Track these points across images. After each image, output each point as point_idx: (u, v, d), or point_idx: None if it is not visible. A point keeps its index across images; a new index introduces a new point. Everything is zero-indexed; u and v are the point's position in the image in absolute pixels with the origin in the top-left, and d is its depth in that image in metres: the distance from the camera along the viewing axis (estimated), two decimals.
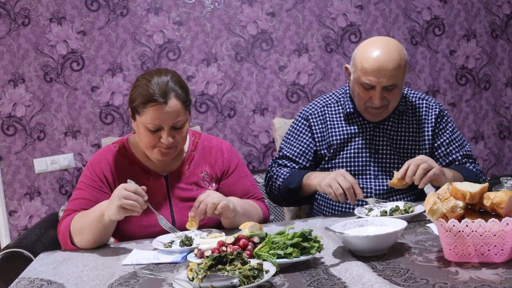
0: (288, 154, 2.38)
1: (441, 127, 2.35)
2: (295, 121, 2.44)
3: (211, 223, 2.07)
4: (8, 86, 3.54)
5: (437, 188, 1.93)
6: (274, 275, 1.41)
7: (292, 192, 2.29)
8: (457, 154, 2.34)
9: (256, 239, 1.59)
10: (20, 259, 2.63)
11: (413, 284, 1.32)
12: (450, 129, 2.36)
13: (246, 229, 1.77)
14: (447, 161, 2.34)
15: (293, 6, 3.69)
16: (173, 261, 1.72)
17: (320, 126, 2.37)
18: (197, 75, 3.65)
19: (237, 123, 3.70)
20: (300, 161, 2.36)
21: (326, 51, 3.73)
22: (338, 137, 2.32)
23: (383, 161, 2.30)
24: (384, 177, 2.28)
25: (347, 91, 2.39)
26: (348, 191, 2.02)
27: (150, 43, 3.61)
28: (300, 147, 2.37)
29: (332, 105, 2.40)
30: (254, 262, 1.42)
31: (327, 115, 2.38)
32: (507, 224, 1.39)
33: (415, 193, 2.31)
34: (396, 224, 1.64)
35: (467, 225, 1.41)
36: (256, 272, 1.37)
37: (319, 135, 2.36)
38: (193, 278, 1.38)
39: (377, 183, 2.27)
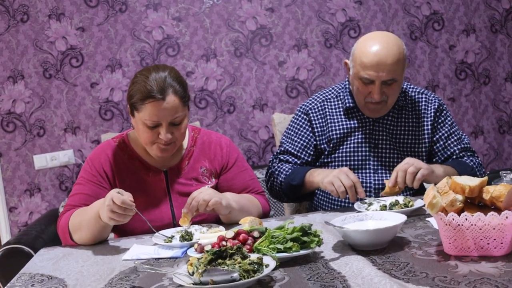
0: (289, 148, 2.38)
1: (439, 121, 2.35)
2: (295, 116, 2.44)
3: (211, 218, 2.08)
4: (8, 83, 3.54)
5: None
6: (274, 269, 1.41)
7: (294, 189, 2.29)
8: (455, 148, 2.34)
9: (256, 234, 1.59)
10: (21, 255, 2.64)
11: (413, 278, 1.32)
12: (449, 123, 2.36)
13: (246, 223, 1.77)
14: (446, 155, 2.34)
15: (292, 2, 3.69)
16: (173, 256, 1.72)
17: (320, 120, 2.37)
18: (196, 71, 3.65)
19: (236, 118, 3.70)
20: (302, 155, 2.36)
21: (326, 46, 3.73)
22: (338, 132, 2.32)
23: (383, 155, 2.30)
24: (383, 171, 2.28)
25: (347, 86, 2.39)
26: (350, 189, 2.02)
27: (149, 39, 3.60)
28: (301, 142, 2.37)
29: (332, 99, 2.40)
30: (254, 256, 1.42)
31: (327, 110, 2.38)
32: (507, 217, 1.39)
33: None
34: (395, 218, 1.64)
35: (466, 219, 1.41)
36: (256, 266, 1.37)
37: (319, 129, 2.36)
38: (193, 273, 1.38)
39: (376, 178, 2.27)
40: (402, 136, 2.32)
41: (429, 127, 2.33)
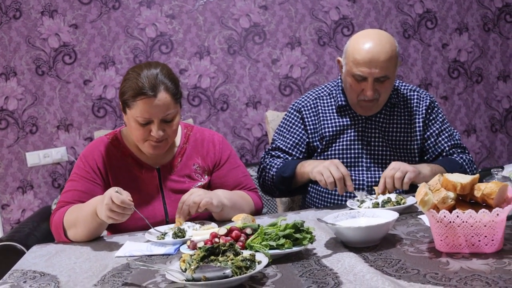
0: (281, 145, 2.39)
1: (431, 118, 2.36)
2: (288, 113, 2.45)
3: (204, 215, 2.08)
4: (0, 80, 3.52)
5: None
6: (267, 266, 1.42)
7: (286, 181, 2.29)
8: (445, 145, 2.35)
9: (248, 231, 1.60)
10: (13, 252, 2.63)
11: (404, 275, 1.33)
12: (440, 120, 2.37)
13: (238, 220, 1.77)
14: (436, 153, 2.35)
15: None
16: (166, 252, 1.73)
17: (313, 118, 2.38)
18: (189, 68, 3.64)
19: (230, 116, 3.70)
20: (293, 152, 2.37)
21: (319, 44, 3.73)
22: (330, 129, 2.33)
23: (375, 153, 2.31)
24: (376, 169, 2.29)
25: (339, 84, 2.39)
26: (339, 181, 2.03)
27: (142, 36, 3.60)
28: (293, 139, 2.38)
29: (325, 97, 2.41)
30: (246, 253, 1.43)
31: (319, 107, 2.38)
32: (497, 214, 1.40)
33: None
34: (387, 216, 1.65)
35: (457, 216, 1.42)
36: (248, 263, 1.37)
37: (311, 127, 2.37)
38: (185, 269, 1.38)
39: (369, 175, 2.28)
40: (395, 134, 2.33)
41: (421, 124, 2.34)
